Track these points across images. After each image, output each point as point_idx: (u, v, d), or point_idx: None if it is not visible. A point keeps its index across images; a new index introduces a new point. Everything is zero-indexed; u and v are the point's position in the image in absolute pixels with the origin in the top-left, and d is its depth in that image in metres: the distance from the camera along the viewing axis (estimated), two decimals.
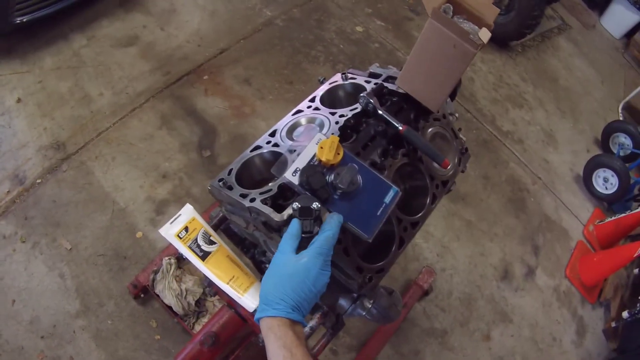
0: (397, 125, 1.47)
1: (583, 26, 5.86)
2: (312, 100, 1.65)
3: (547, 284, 3.47)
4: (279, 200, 1.28)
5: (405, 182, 1.59)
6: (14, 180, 2.87)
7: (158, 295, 2.54)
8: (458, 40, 1.40)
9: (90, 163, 3.00)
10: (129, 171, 3.02)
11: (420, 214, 1.51)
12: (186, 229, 1.36)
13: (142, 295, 2.62)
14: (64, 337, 2.46)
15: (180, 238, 1.34)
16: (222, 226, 1.57)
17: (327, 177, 1.23)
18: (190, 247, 1.34)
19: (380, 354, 2.75)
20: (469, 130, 4.03)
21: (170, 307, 2.52)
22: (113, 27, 3.64)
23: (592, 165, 4.00)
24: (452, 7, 1.50)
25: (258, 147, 1.47)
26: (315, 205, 1.17)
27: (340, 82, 1.73)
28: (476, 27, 1.48)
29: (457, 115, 1.88)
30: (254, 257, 1.59)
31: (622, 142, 4.35)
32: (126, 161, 3.06)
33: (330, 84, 1.74)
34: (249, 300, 1.30)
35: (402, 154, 1.49)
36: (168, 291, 2.52)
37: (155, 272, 2.58)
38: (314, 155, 1.27)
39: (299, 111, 1.60)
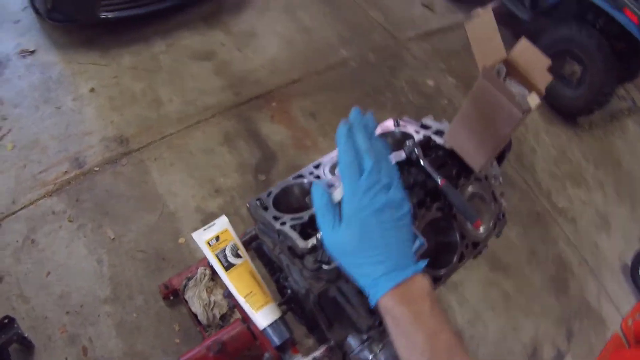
0: (436, 179, 1.50)
1: None
2: None
3: None
4: (308, 229, 1.33)
5: (436, 236, 1.61)
6: (74, 163, 3.05)
7: (186, 301, 2.61)
8: (505, 101, 1.41)
9: (149, 163, 3.15)
10: (184, 179, 3.14)
11: (444, 270, 1.53)
12: (217, 238, 1.43)
13: (171, 298, 2.69)
14: (88, 318, 2.57)
15: (210, 245, 1.41)
16: (253, 244, 1.63)
17: None
18: (217, 256, 1.40)
19: None
20: (523, 201, 3.97)
21: (195, 315, 2.58)
22: (193, 39, 3.84)
23: (639, 258, 3.86)
24: (505, 69, 1.52)
25: (300, 177, 1.53)
26: None
27: (391, 128, 1.78)
28: (526, 91, 1.49)
29: (501, 179, 1.88)
30: (279, 281, 1.64)
31: None
32: (184, 169, 3.19)
33: (382, 127, 1.79)
34: (261, 317, 1.34)
35: (436, 207, 1.52)
36: (197, 299, 2.58)
37: (189, 279, 2.65)
38: None
39: None
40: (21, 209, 2.85)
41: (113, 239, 2.83)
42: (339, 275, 1.29)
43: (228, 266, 1.39)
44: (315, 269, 1.24)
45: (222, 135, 3.40)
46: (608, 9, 3.99)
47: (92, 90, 3.39)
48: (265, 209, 1.41)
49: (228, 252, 1.41)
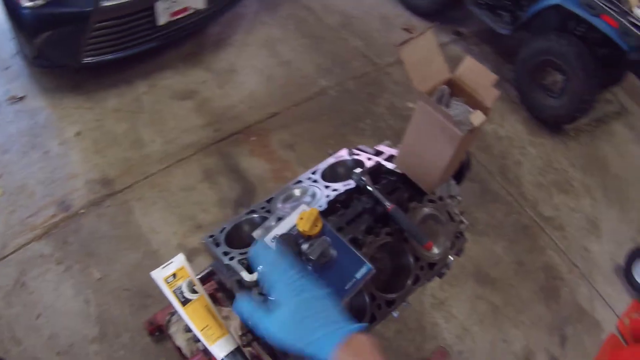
0: (385, 204, 1.55)
1: None
2: (314, 172, 1.76)
3: None
4: None
5: (391, 260, 1.65)
6: (60, 206, 3.13)
7: (171, 336, 2.65)
8: (445, 122, 1.45)
9: (132, 203, 3.22)
10: (166, 217, 3.21)
11: (398, 294, 1.56)
12: (174, 275, 1.48)
13: (156, 334, 2.74)
14: (78, 358, 2.63)
15: (168, 283, 1.47)
16: (215, 278, 1.68)
17: (303, 246, 1.33)
18: (174, 292, 1.46)
19: None
20: (508, 215, 3.99)
21: (179, 349, 2.62)
22: (174, 79, 3.94)
23: (633, 256, 3.83)
24: (448, 89, 1.56)
25: (253, 211, 1.59)
26: None
27: (345, 157, 1.84)
28: (469, 110, 1.53)
29: (459, 198, 1.93)
30: None
31: None
32: (165, 207, 3.25)
33: (335, 157, 1.85)
34: (217, 349, 1.39)
35: (385, 232, 1.56)
36: (180, 334, 2.62)
37: (172, 314, 2.69)
38: (295, 225, 1.37)
39: (299, 182, 1.72)
40: (11, 253, 2.95)
41: (99, 278, 2.90)
42: None
43: (185, 301, 1.44)
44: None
45: (202, 172, 3.47)
46: (587, 17, 4.04)
47: (77, 133, 3.48)
48: (217, 245, 1.47)
49: (185, 288, 1.46)
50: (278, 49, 4.49)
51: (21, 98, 3.70)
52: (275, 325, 0.97)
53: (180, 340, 2.61)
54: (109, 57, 3.59)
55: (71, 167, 3.33)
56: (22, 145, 3.44)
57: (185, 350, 2.60)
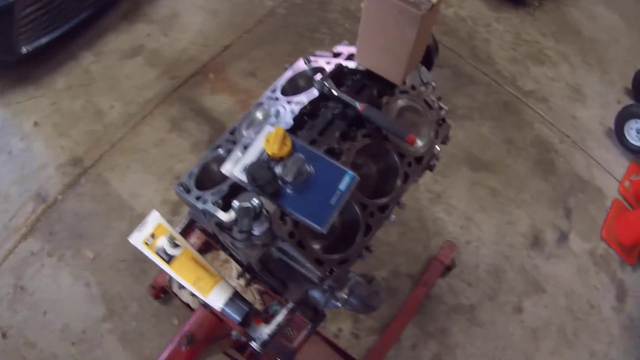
0: (355, 105, 1.43)
1: None
2: (273, 90, 1.63)
3: (582, 248, 3.30)
4: (230, 199, 1.27)
5: (376, 163, 1.55)
6: (38, 199, 3.01)
7: (176, 294, 2.60)
8: (402, 5, 1.33)
9: (107, 174, 3.10)
10: (144, 177, 3.11)
11: (389, 197, 1.47)
12: (152, 235, 1.38)
13: (162, 296, 2.69)
14: (93, 342, 2.60)
15: (148, 244, 1.37)
16: (197, 225, 1.59)
17: (276, 170, 1.22)
18: (157, 253, 1.36)
19: (405, 334, 2.73)
20: (489, 95, 3.88)
21: (189, 305, 2.57)
22: (119, 40, 3.71)
23: (623, 117, 3.75)
24: None
25: (218, 147, 1.47)
26: (254, 202, 1.16)
27: (303, 67, 1.70)
28: None
29: (434, 84, 1.80)
30: (232, 255, 1.60)
31: None
32: (141, 168, 3.14)
33: (293, 70, 1.71)
34: (213, 299, 1.31)
35: (362, 134, 1.45)
36: (184, 289, 2.57)
37: None
38: (263, 150, 1.26)
39: (260, 104, 1.59)
40: (3, 261, 2.84)
41: (93, 258, 2.82)
42: (274, 236, 1.25)
43: (169, 259, 1.35)
44: (243, 238, 1.19)
45: (168, 122, 3.34)
46: None
47: (35, 124, 3.30)
48: (188, 191, 1.37)
49: (166, 246, 1.36)
50: None
51: None
52: None
53: (185, 295, 2.55)
54: (46, 39, 3.35)
55: (38, 158, 3.18)
56: None
57: (193, 304, 2.54)
